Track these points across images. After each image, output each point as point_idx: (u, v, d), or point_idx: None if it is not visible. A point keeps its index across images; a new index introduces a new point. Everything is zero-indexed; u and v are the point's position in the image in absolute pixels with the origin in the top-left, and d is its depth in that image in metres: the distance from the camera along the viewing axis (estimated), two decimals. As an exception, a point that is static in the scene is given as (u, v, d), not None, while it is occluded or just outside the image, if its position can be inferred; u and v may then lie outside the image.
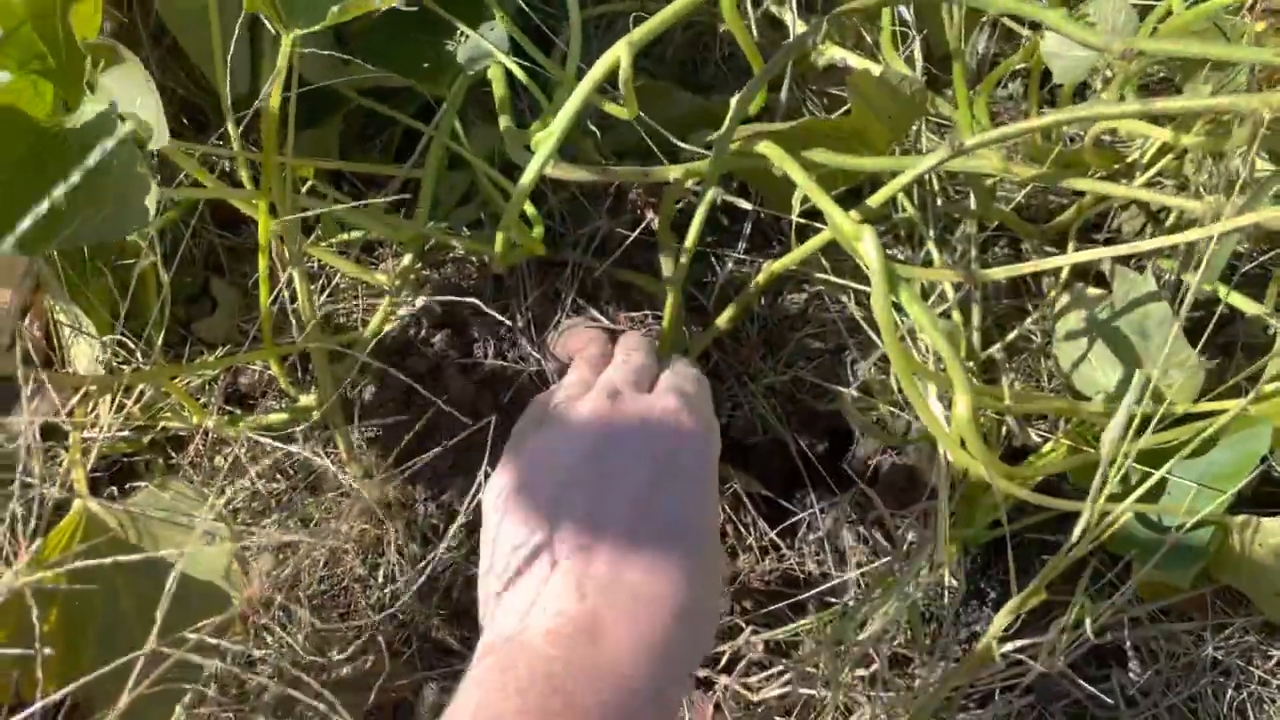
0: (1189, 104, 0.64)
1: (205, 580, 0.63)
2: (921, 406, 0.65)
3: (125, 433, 0.81)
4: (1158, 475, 0.69)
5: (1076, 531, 0.64)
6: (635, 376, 0.70)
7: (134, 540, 0.64)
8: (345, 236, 0.93)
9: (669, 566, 0.58)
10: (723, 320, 0.85)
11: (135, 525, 0.64)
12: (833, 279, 0.86)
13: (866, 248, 0.62)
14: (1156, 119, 0.80)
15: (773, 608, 0.85)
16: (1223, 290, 0.79)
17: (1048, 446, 0.83)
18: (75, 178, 0.59)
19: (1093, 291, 0.84)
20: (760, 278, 0.81)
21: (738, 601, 0.87)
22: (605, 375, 0.71)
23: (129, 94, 0.61)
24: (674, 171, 0.78)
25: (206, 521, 0.61)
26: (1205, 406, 0.76)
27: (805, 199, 0.73)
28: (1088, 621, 0.66)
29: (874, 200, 0.74)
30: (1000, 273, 0.76)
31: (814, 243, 0.76)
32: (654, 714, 0.55)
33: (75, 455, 0.64)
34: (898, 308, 0.65)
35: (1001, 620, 0.69)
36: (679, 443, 0.64)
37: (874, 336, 0.89)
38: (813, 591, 0.85)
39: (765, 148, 0.74)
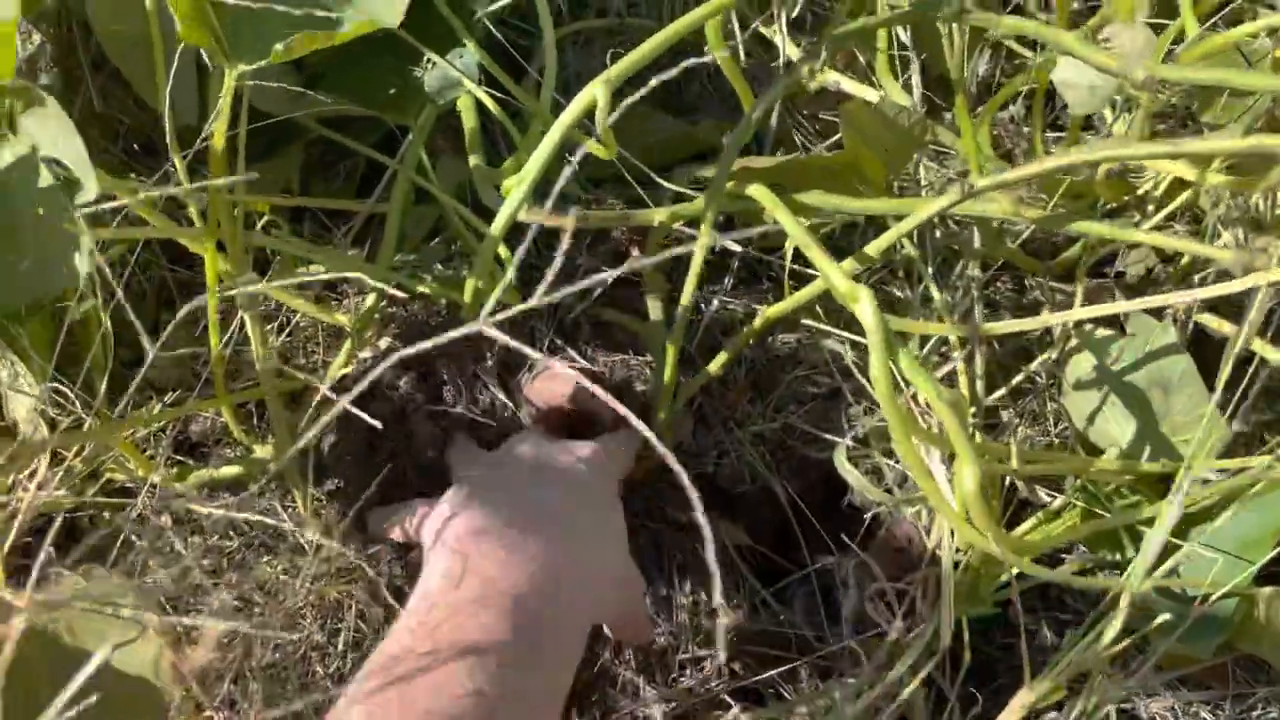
0: (1224, 146, 0.58)
1: (135, 676, 0.58)
2: (923, 478, 0.59)
3: (62, 493, 0.75)
4: (1187, 547, 0.64)
5: (1113, 630, 0.59)
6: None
7: (55, 631, 0.58)
8: (305, 271, 0.87)
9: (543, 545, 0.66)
10: (714, 367, 0.79)
11: (60, 620, 0.58)
12: (826, 328, 0.80)
13: (864, 311, 0.57)
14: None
15: (762, 676, 0.80)
16: (1257, 345, 0.73)
17: (1056, 504, 0.77)
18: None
19: (1103, 333, 0.79)
20: (756, 323, 0.76)
21: (725, 665, 0.81)
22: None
23: (51, 138, 0.55)
24: (659, 215, 0.73)
25: (134, 612, 0.55)
26: (1226, 464, 0.71)
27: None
28: (1112, 710, 0.61)
29: (873, 248, 0.68)
30: (1007, 327, 0.71)
31: (809, 291, 0.71)
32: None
33: (-7, 536, 0.58)
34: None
35: (1016, 710, 0.63)
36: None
37: (866, 382, 0.83)
38: (804, 659, 0.80)
39: (756, 191, 0.69)
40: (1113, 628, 0.60)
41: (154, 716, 0.56)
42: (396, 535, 0.78)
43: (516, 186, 0.64)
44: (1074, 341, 0.81)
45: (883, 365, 0.57)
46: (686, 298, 0.73)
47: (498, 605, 0.61)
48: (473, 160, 0.74)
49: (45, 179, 0.57)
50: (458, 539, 0.65)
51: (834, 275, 0.61)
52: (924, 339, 0.83)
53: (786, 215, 0.65)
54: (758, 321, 0.76)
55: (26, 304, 0.69)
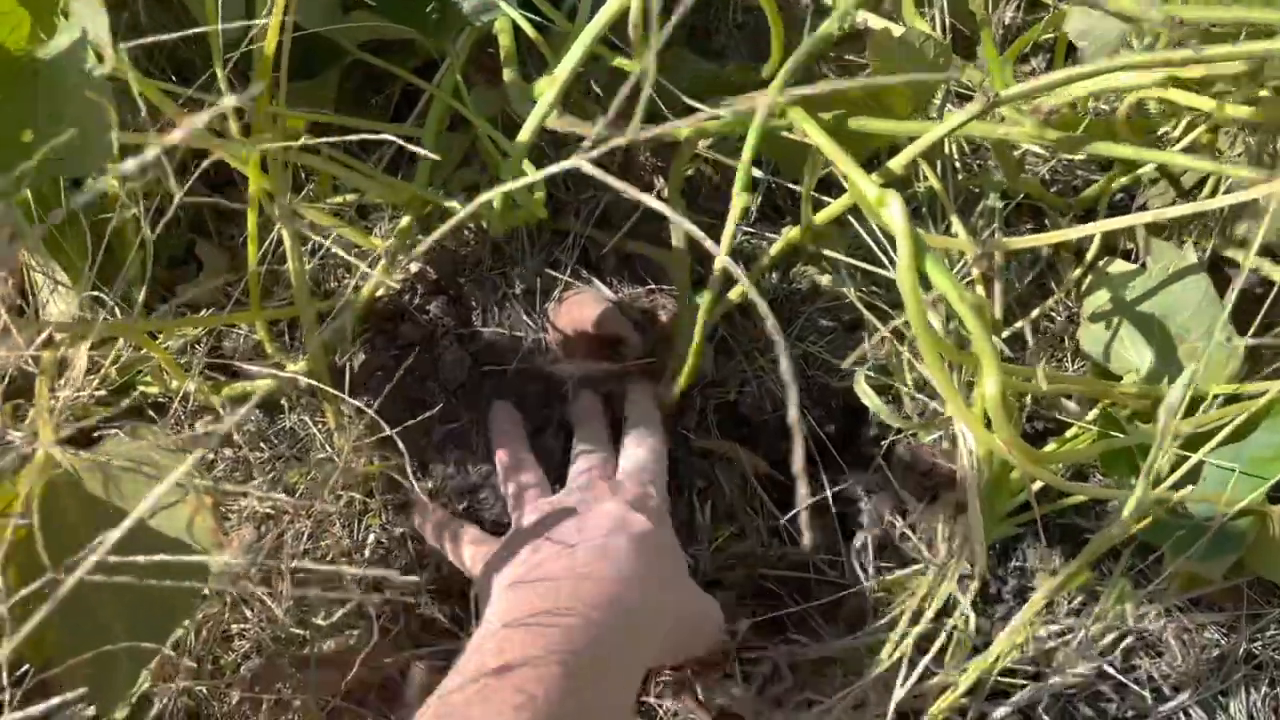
0: (1249, 49, 0.59)
1: (175, 538, 0.59)
2: (945, 385, 0.60)
3: (101, 392, 0.77)
4: (1195, 457, 0.65)
5: (1127, 510, 0.59)
6: (596, 475, 0.77)
7: (101, 493, 0.59)
8: (339, 200, 0.89)
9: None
10: (734, 294, 0.80)
11: (102, 477, 0.60)
12: (842, 258, 0.81)
13: (892, 214, 0.58)
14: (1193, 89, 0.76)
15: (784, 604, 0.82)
16: (1267, 266, 0.74)
17: (1072, 430, 0.78)
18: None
19: (1122, 265, 0.81)
20: (775, 249, 0.77)
21: (744, 594, 0.82)
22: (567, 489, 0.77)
23: (89, 16, 0.57)
24: (684, 130, 0.74)
25: (179, 474, 0.57)
26: (1245, 388, 0.72)
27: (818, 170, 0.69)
28: (1128, 608, 0.62)
29: (896, 163, 0.69)
30: (1025, 242, 0.72)
31: (832, 210, 0.72)
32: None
33: (41, 398, 0.60)
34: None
35: (1038, 601, 0.64)
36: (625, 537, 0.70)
37: (889, 311, 0.85)
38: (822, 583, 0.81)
39: (796, 114, 0.70)
40: (1126, 519, 0.61)
41: (192, 578, 0.57)
42: (431, 541, 0.79)
43: (549, 87, 0.65)
44: (1092, 276, 0.82)
45: (910, 267, 0.58)
46: (725, 246, 0.73)
47: (563, 646, 0.60)
48: (508, 74, 0.75)
49: (93, 62, 0.58)
50: (520, 589, 0.66)
51: (862, 182, 0.62)
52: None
53: (815, 128, 0.66)
54: (777, 246, 0.77)
55: (66, 177, 0.71)
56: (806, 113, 0.71)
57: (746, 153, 0.70)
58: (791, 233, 0.76)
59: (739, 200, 0.70)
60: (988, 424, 0.61)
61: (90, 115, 0.58)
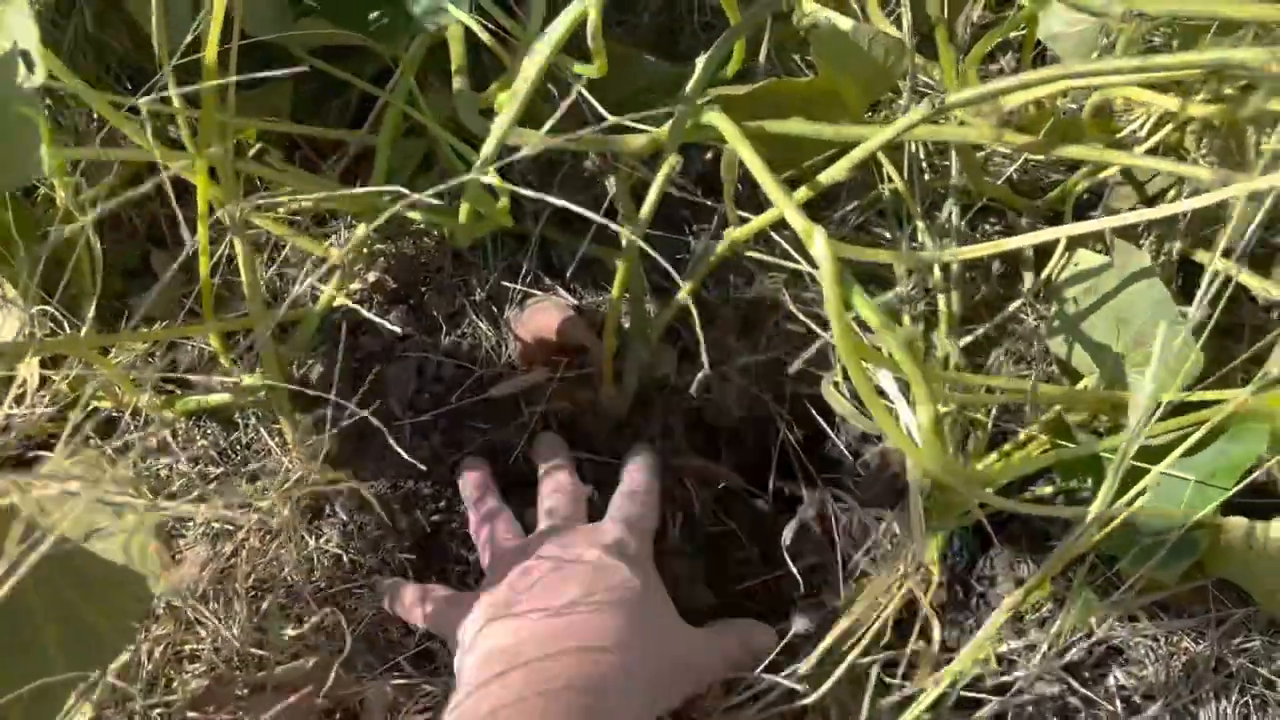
0: (1197, 59, 0.58)
1: (115, 562, 0.57)
2: (881, 415, 0.59)
3: (50, 410, 0.75)
4: (1156, 470, 0.64)
5: (1090, 516, 0.59)
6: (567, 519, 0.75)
7: (37, 516, 0.58)
8: (294, 207, 0.88)
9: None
10: (684, 294, 0.79)
11: (40, 501, 0.58)
12: (790, 264, 0.80)
13: (817, 247, 0.56)
14: (1160, 89, 0.75)
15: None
16: (1232, 268, 0.72)
17: (1023, 434, 0.77)
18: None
19: (1088, 261, 0.79)
20: (721, 247, 0.76)
21: (717, 597, 0.81)
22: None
23: (19, 27, 0.56)
24: (637, 140, 0.73)
25: (118, 496, 0.55)
26: (1202, 395, 0.71)
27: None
28: (1094, 620, 0.61)
29: (827, 176, 0.67)
30: (978, 250, 0.71)
31: (765, 218, 0.71)
32: None
33: (-24, 425, 0.58)
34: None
35: (1000, 616, 0.63)
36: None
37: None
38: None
39: (714, 119, 0.68)
40: (1085, 541, 0.60)
41: (135, 602, 0.56)
42: (405, 618, 0.76)
43: (509, 102, 0.64)
44: (1057, 277, 0.81)
45: (837, 302, 0.57)
46: (646, 210, 0.72)
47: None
48: (457, 84, 0.74)
49: (22, 75, 0.57)
50: (500, 651, 0.64)
51: (789, 211, 0.60)
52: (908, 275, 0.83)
53: (745, 147, 0.64)
54: (722, 245, 0.75)
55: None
56: (752, 114, 0.70)
57: (660, 178, 0.70)
58: (734, 233, 0.75)
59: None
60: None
61: (20, 129, 0.57)
